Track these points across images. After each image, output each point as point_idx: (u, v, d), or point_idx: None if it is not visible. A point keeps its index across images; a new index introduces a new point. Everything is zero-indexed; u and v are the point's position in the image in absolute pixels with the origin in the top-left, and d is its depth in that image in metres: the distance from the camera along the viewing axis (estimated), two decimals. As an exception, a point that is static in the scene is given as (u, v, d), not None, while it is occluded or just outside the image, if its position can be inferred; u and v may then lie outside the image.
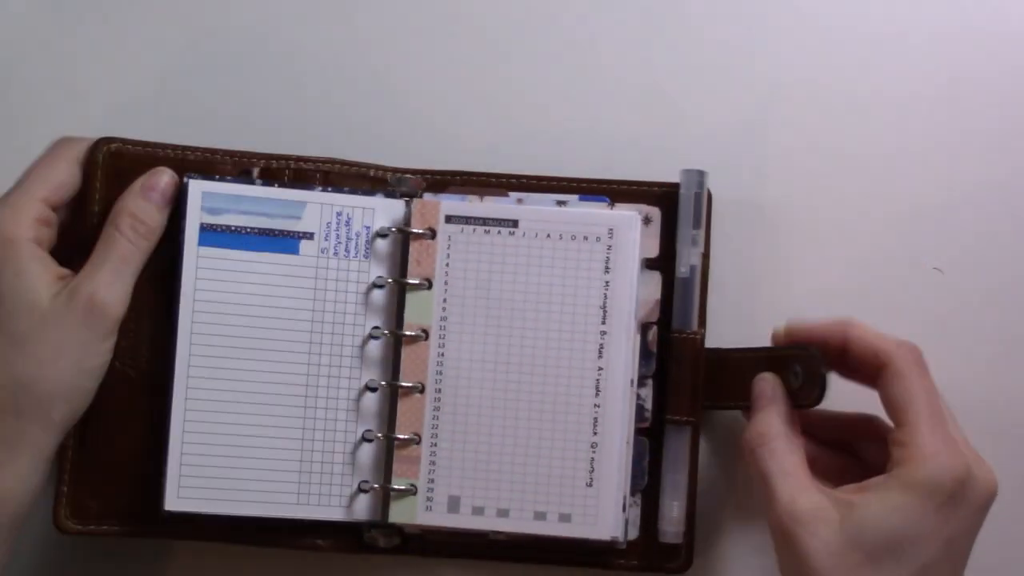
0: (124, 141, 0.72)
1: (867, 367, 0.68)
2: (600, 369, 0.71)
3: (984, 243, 0.76)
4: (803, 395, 0.69)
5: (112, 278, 0.69)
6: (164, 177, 0.71)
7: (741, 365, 0.72)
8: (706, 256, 0.73)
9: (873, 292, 0.76)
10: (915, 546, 0.63)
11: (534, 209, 0.72)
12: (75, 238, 0.71)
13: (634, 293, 0.72)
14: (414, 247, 0.72)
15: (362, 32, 0.77)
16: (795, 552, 0.64)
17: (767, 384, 0.70)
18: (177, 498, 0.70)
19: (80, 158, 0.71)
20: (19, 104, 0.78)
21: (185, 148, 0.73)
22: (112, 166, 0.72)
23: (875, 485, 0.64)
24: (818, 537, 0.63)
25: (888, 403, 0.67)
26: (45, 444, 0.68)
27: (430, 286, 0.72)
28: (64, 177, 0.70)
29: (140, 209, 0.70)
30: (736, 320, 0.74)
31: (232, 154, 0.73)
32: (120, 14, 0.78)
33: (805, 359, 0.69)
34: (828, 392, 0.68)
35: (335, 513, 0.71)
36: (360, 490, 0.71)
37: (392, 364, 0.72)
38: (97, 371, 0.69)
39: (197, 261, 0.70)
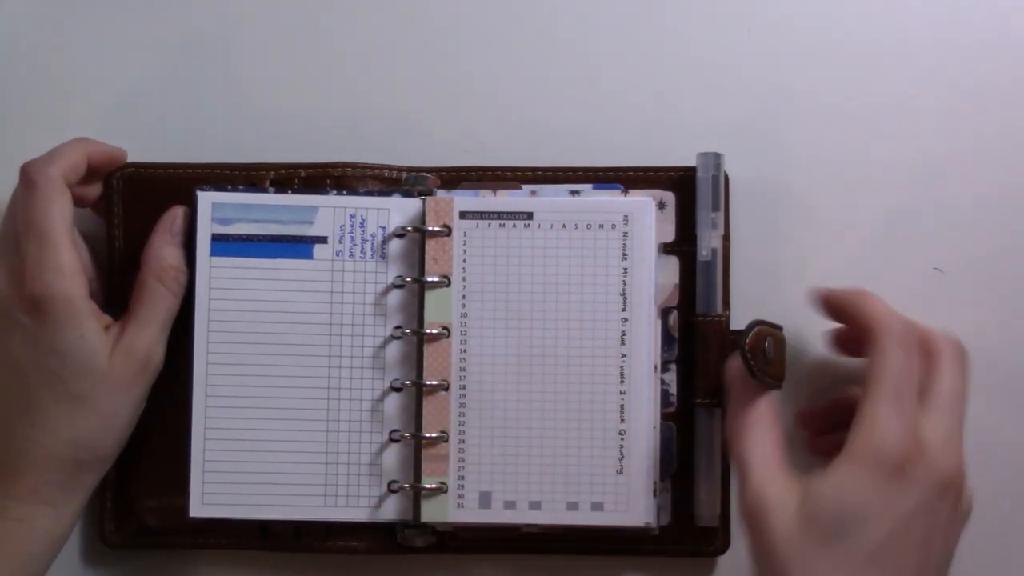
0: (138, 165, 0.74)
1: (863, 339, 0.68)
2: (623, 356, 0.71)
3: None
4: (770, 372, 0.69)
5: (162, 334, 0.71)
6: (181, 215, 0.72)
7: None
8: (726, 238, 0.73)
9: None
10: (864, 523, 0.62)
11: (548, 200, 0.72)
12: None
13: (653, 278, 0.72)
14: (430, 245, 0.72)
15: (368, 34, 0.78)
16: (758, 538, 0.65)
17: (735, 373, 0.70)
18: (202, 504, 0.71)
19: (61, 182, 0.69)
20: (19, 104, 0.78)
21: (196, 166, 0.74)
22: (129, 191, 0.74)
23: (834, 463, 0.64)
24: (778, 524, 0.64)
25: (864, 377, 0.67)
26: (94, 484, 0.71)
27: (449, 283, 0.72)
28: (70, 211, 0.69)
29: (177, 259, 0.71)
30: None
31: (244, 168, 0.74)
32: (122, 15, 0.78)
33: (773, 336, 0.70)
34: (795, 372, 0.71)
35: (364, 514, 0.72)
36: (390, 490, 0.72)
37: (415, 363, 0.72)
38: (139, 414, 0.71)
39: (210, 271, 0.71)
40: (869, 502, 0.63)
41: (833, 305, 0.71)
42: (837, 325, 0.72)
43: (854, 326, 0.69)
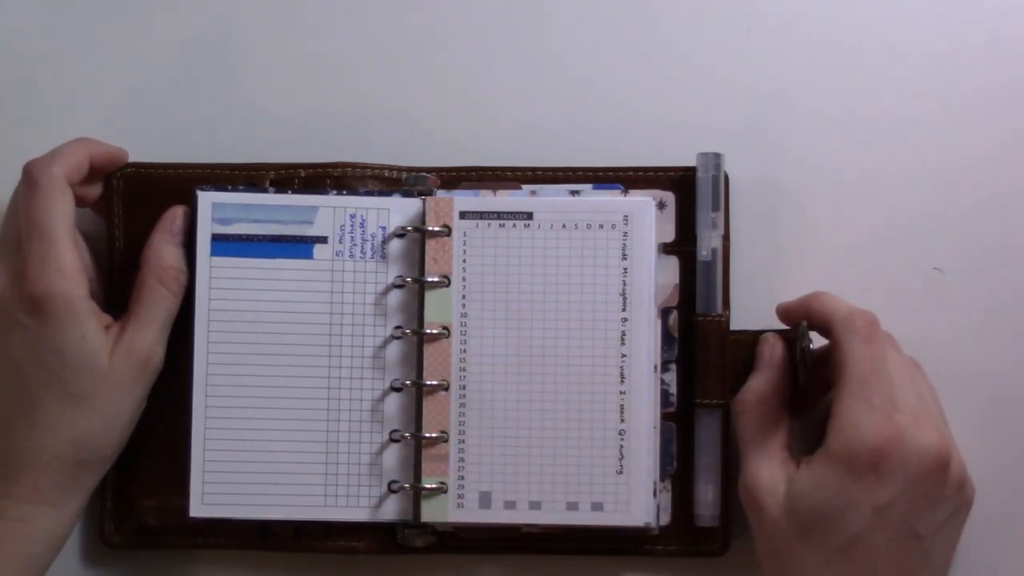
0: (138, 165, 0.74)
1: (829, 338, 0.69)
2: (623, 356, 0.71)
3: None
4: (799, 373, 0.71)
5: (162, 334, 0.71)
6: (180, 215, 0.72)
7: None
8: (726, 238, 0.73)
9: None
10: (841, 517, 0.64)
11: (548, 200, 0.72)
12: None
13: (652, 278, 0.72)
14: (430, 245, 0.72)
15: (368, 34, 0.78)
16: (752, 519, 0.67)
17: (767, 347, 0.71)
18: (202, 504, 0.71)
19: (63, 182, 0.69)
20: (20, 104, 0.78)
21: (196, 166, 0.74)
22: (129, 191, 0.74)
23: (813, 458, 0.66)
24: (765, 509, 0.66)
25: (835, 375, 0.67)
26: (95, 484, 0.71)
27: (449, 283, 0.72)
28: (72, 211, 0.69)
29: (177, 259, 0.71)
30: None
31: (244, 168, 0.74)
32: (122, 16, 0.78)
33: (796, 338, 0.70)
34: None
35: (364, 514, 0.72)
36: (390, 490, 0.72)
37: (415, 363, 0.72)
38: (139, 414, 0.71)
39: (210, 271, 0.71)
40: (844, 499, 0.64)
41: (794, 315, 0.71)
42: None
43: (819, 329, 0.70)
